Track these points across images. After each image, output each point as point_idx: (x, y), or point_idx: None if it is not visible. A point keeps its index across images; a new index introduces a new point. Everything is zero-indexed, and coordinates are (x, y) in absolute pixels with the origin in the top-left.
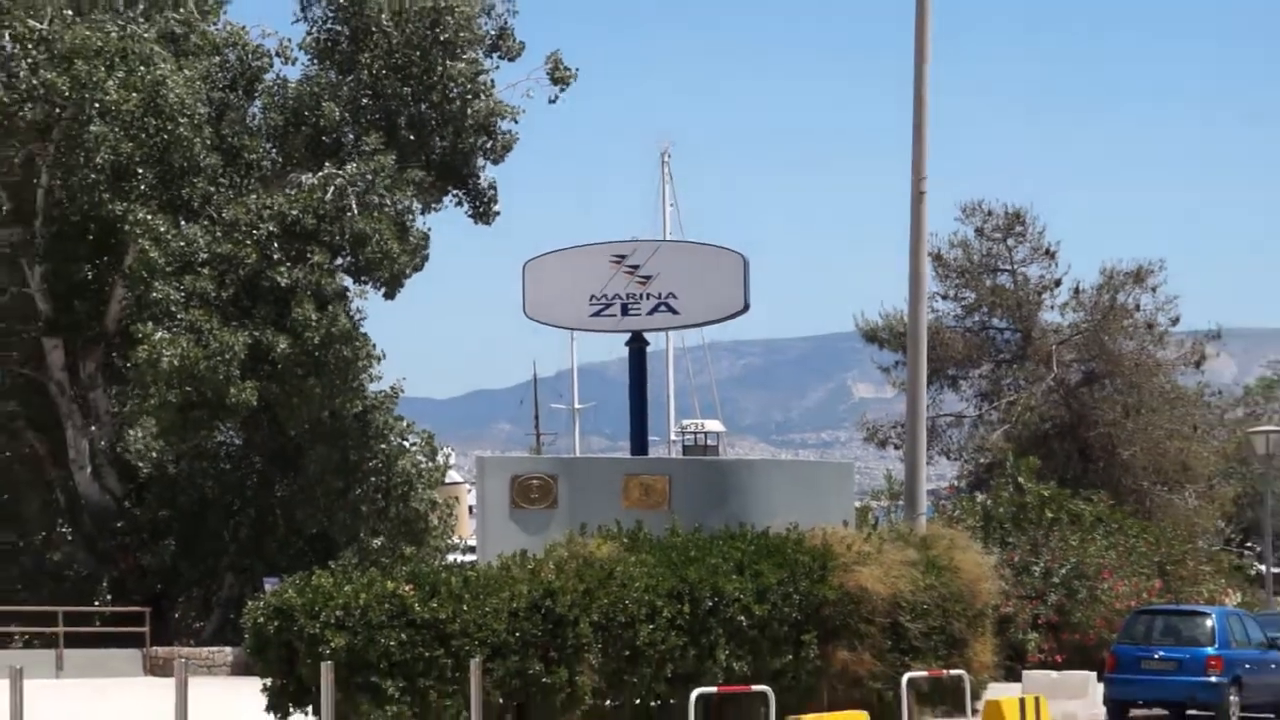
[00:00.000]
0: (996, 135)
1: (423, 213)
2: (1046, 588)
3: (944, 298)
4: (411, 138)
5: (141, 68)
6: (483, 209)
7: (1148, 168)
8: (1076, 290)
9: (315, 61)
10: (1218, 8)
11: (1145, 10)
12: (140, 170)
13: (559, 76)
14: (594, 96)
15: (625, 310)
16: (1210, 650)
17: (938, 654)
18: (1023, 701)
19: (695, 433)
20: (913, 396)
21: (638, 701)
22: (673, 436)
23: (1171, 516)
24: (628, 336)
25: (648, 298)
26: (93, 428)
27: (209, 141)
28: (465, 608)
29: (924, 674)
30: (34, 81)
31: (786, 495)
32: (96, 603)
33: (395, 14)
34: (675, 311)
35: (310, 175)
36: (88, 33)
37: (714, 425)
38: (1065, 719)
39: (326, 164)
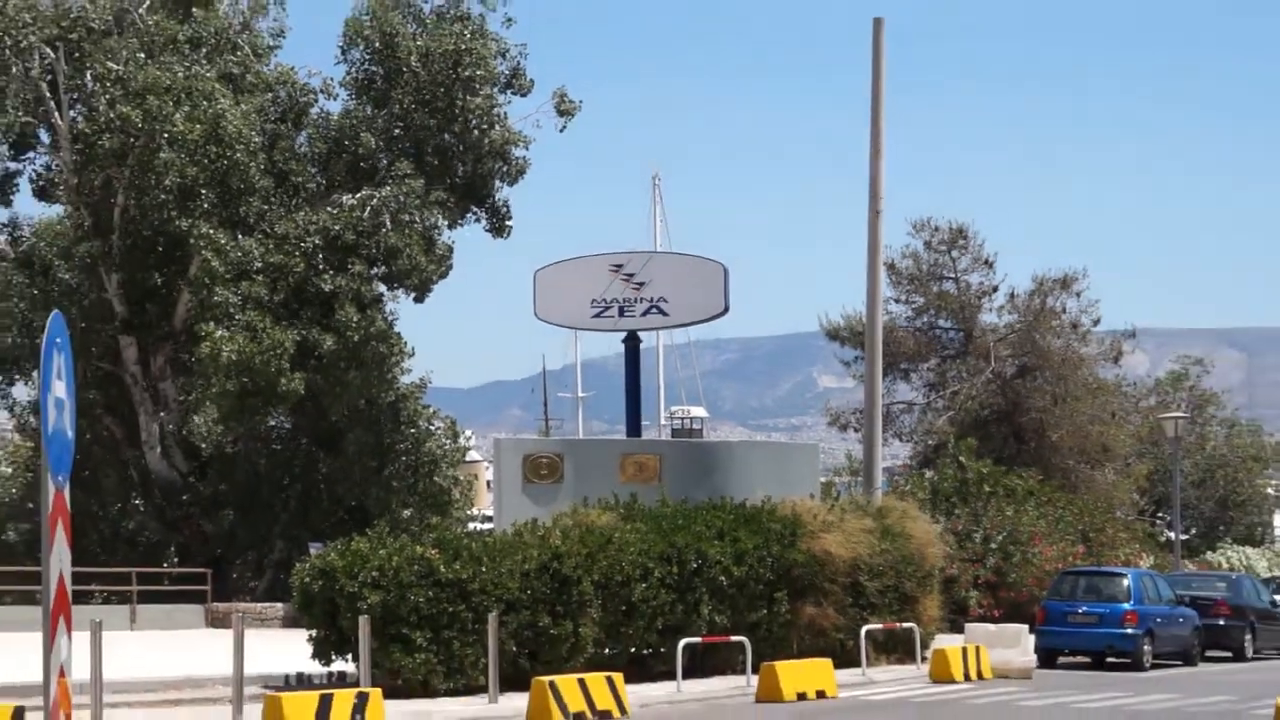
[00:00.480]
0: (943, 155)
1: (448, 228)
2: (985, 552)
3: (897, 301)
4: (437, 163)
5: (204, 103)
6: (499, 224)
7: (1075, 186)
8: (1011, 295)
9: (354, 97)
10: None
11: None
12: (203, 191)
13: (564, 109)
14: (596, 124)
15: (622, 312)
16: (1127, 606)
17: (892, 609)
18: (965, 650)
19: (682, 418)
20: (870, 387)
21: (633, 650)
22: (663, 421)
23: (1093, 490)
24: (624, 335)
25: (641, 301)
26: (162, 413)
27: (262, 166)
28: (484, 569)
29: (880, 626)
30: (111, 114)
31: (761, 472)
32: (165, 565)
33: (423, 56)
34: (665, 313)
35: (350, 196)
36: (158, 73)
37: (698, 411)
38: (1002, 665)
39: (364, 187)
